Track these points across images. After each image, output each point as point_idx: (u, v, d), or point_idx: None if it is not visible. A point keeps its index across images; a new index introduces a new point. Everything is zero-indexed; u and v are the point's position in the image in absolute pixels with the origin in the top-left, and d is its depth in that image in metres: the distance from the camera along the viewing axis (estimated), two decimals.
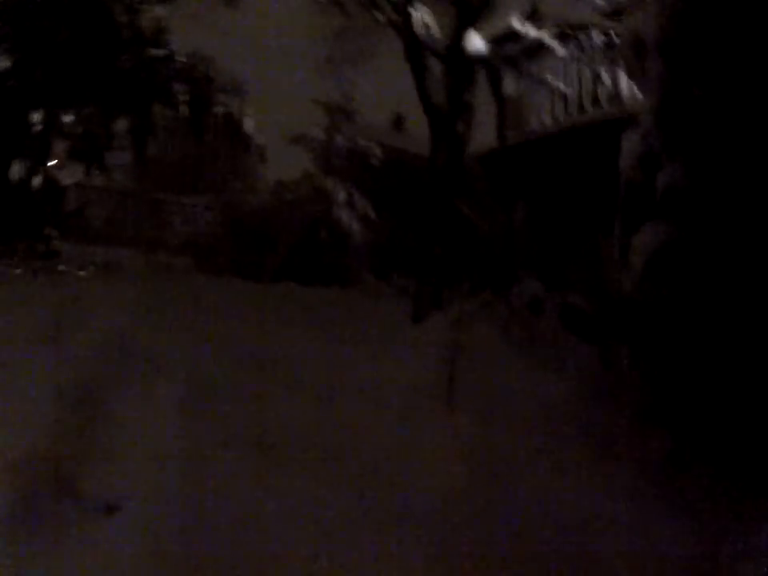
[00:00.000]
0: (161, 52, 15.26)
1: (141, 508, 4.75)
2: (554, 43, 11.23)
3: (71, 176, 15.41)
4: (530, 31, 11.36)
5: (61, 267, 13.06)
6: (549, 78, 11.33)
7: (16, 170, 14.12)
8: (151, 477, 5.21)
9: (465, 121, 11.03)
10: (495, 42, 11.33)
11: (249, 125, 13.48)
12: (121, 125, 14.93)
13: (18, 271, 12.05)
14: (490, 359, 8.20)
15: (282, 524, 4.57)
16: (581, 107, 11.10)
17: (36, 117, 14.35)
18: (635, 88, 10.37)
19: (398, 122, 17.05)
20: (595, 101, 10.83)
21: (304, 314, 10.62)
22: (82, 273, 12.97)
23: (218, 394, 6.76)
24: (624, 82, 10.43)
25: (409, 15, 11.06)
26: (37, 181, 14.55)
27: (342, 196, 15.54)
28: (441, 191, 11.01)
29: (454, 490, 5.17)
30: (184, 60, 15.33)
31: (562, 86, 11.23)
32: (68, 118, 14.83)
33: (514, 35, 11.46)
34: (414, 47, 11.14)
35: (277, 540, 4.43)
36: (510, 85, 12.06)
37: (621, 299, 8.36)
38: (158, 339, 8.29)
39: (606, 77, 10.79)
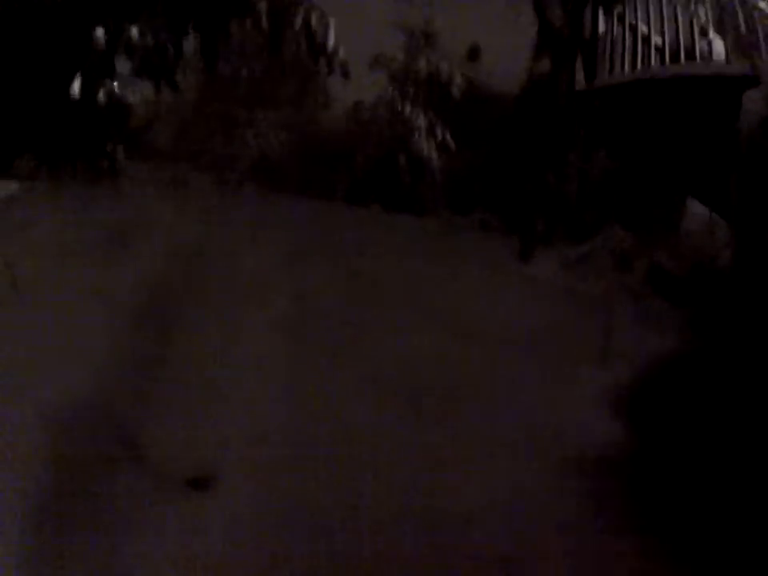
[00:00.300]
0: None
1: (238, 481, 4.09)
2: None
3: (138, 92, 14.96)
4: None
5: (124, 183, 12.75)
6: (644, 22, 10.82)
7: (78, 84, 13.71)
8: (252, 441, 4.49)
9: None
10: None
11: (331, 40, 12.95)
12: (193, 41, 14.51)
13: (80, 187, 11.72)
14: (608, 310, 7.77)
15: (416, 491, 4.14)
16: (673, 58, 10.59)
17: (101, 30, 13.92)
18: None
19: (474, 53, 16.46)
20: (689, 54, 10.34)
21: (393, 239, 10.14)
22: (147, 189, 12.63)
23: (323, 320, 6.28)
24: (720, 41, 10.03)
25: None
26: (101, 96, 14.13)
27: (421, 122, 14.97)
28: (544, 128, 10.71)
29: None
30: None
31: (656, 33, 10.70)
32: (135, 32, 14.39)
33: None
34: None
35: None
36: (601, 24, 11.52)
37: (719, 271, 8.00)
38: (234, 257, 7.82)
39: (705, 31, 10.36)
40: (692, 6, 10.12)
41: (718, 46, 10.01)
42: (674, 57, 10.38)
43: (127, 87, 14.70)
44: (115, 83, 14.11)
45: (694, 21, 10.14)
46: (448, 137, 15.74)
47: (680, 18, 10.28)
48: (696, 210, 9.75)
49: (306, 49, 13.43)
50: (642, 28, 10.52)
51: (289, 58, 15.45)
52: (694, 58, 10.09)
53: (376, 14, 14.01)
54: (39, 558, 3.45)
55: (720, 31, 10.03)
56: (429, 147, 15.55)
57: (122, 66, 14.11)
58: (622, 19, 10.73)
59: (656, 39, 10.41)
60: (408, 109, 15.64)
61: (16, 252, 6.82)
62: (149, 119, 16.03)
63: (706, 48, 10.02)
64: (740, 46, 9.73)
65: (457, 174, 15.15)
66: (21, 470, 3.95)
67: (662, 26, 10.30)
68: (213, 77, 15.26)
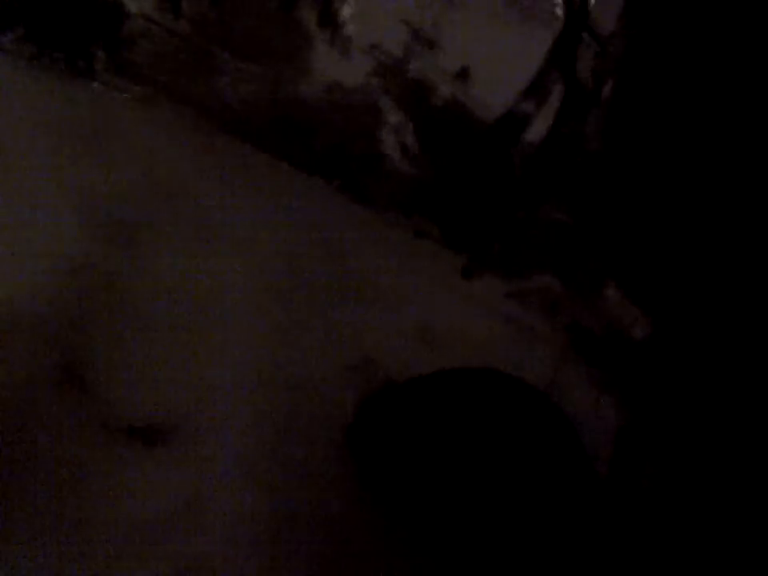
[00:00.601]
0: None
1: (198, 437, 3.58)
2: None
3: (138, 5, 14.81)
4: None
5: (100, 87, 12.64)
6: None
7: None
8: (216, 387, 4.08)
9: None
10: None
11: (346, 13, 13.08)
12: None
13: (55, 81, 11.60)
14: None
15: None
16: None
17: None
18: None
19: (464, 73, 16.85)
20: None
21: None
22: (122, 101, 12.54)
23: (307, 282, 6.39)
24: None
25: None
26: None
27: (393, 119, 15.24)
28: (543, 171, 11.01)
29: None
30: None
31: None
32: None
33: None
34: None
35: None
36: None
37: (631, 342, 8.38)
38: (213, 198, 7.85)
39: None
40: None
41: None
42: None
43: None
44: None
45: None
46: (412, 139, 16.10)
47: None
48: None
49: (317, 13, 13.53)
50: None
51: (293, 19, 15.63)
52: None
53: (387, 6, 14.26)
54: None
55: None
56: (393, 144, 15.88)
57: None
58: None
59: None
60: (383, 101, 15.95)
61: None
62: (139, 34, 15.95)
63: None
64: None
65: (409, 176, 15.45)
66: None
67: None
68: (215, 11, 15.24)
